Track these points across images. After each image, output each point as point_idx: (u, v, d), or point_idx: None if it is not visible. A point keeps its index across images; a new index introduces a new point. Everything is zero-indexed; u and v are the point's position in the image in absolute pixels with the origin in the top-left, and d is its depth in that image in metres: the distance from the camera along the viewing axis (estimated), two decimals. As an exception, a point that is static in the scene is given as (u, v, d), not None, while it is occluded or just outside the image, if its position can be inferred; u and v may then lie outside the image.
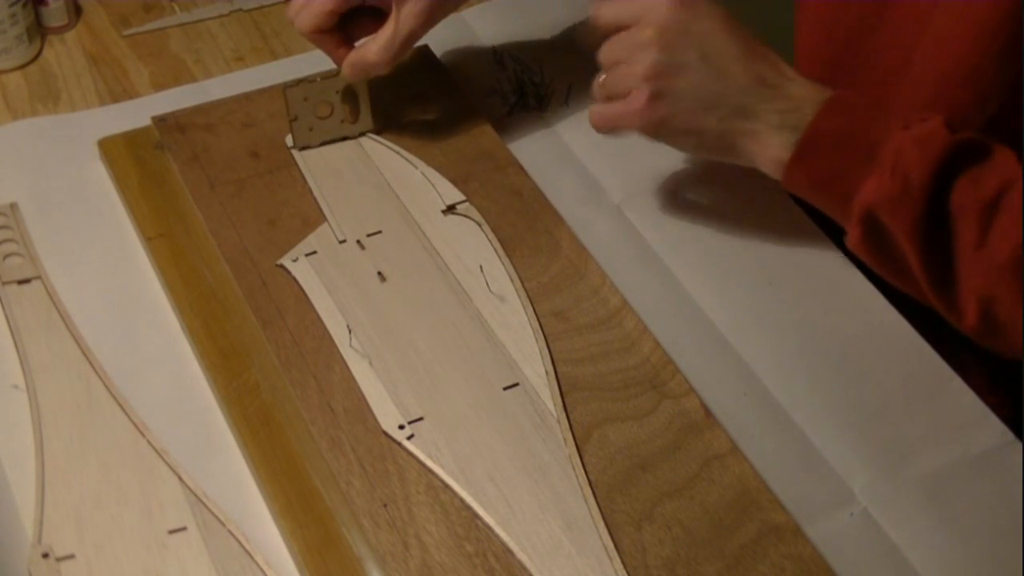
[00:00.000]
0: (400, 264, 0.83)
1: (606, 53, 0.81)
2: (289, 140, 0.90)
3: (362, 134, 0.91)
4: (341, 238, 0.84)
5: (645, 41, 0.78)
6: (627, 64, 0.79)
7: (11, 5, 0.95)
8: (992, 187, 0.72)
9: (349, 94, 0.89)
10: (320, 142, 0.90)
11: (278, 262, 0.82)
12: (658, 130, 0.80)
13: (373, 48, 0.86)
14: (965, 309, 0.74)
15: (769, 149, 0.78)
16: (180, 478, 0.72)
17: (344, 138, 0.90)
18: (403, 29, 0.85)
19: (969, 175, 0.73)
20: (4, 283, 0.81)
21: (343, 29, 0.88)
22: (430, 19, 0.86)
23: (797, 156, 0.76)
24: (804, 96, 0.77)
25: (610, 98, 0.81)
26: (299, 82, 0.87)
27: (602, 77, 0.81)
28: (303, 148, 0.90)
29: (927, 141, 0.73)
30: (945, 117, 0.74)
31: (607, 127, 0.82)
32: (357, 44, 0.88)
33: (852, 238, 0.77)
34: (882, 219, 0.74)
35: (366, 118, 0.90)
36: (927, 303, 0.77)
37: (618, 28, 0.80)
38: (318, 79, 0.88)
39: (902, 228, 0.74)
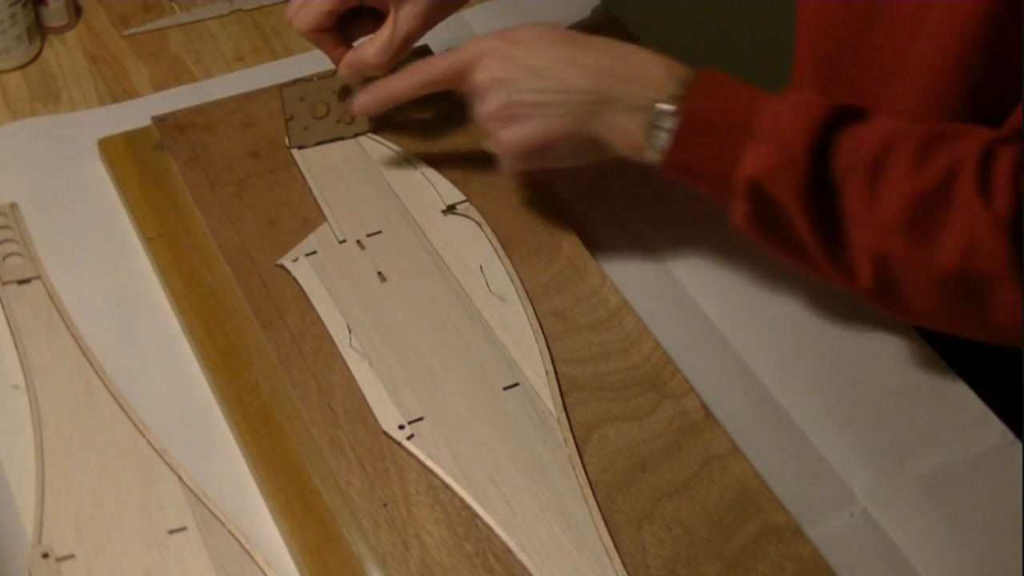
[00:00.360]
0: (400, 264, 0.83)
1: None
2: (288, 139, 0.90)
3: (358, 135, 0.91)
4: (341, 238, 0.84)
5: (480, 88, 0.81)
6: (480, 118, 0.82)
7: (11, 5, 0.95)
8: (875, 145, 0.72)
9: (346, 94, 0.89)
10: (315, 142, 0.90)
11: (278, 262, 0.82)
12: (531, 158, 0.82)
13: (371, 49, 0.86)
14: (858, 270, 0.74)
15: (624, 133, 0.79)
16: (180, 478, 0.72)
17: (340, 138, 0.90)
18: (401, 30, 0.85)
19: (850, 136, 0.72)
20: (4, 283, 0.81)
21: (342, 29, 0.88)
22: (428, 21, 0.87)
23: (674, 141, 0.76)
24: (647, 74, 0.78)
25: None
26: (296, 82, 0.87)
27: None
28: (299, 147, 0.90)
29: (804, 108, 0.73)
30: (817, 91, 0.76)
31: (512, 174, 0.85)
32: (355, 44, 0.88)
33: (738, 214, 0.76)
34: (767, 189, 0.74)
35: (362, 119, 0.90)
36: (820, 274, 0.77)
37: (451, 83, 0.83)
38: (315, 79, 0.88)
39: (788, 195, 0.73)
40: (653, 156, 0.78)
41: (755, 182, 0.74)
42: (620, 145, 0.79)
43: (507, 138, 0.80)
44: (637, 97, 0.77)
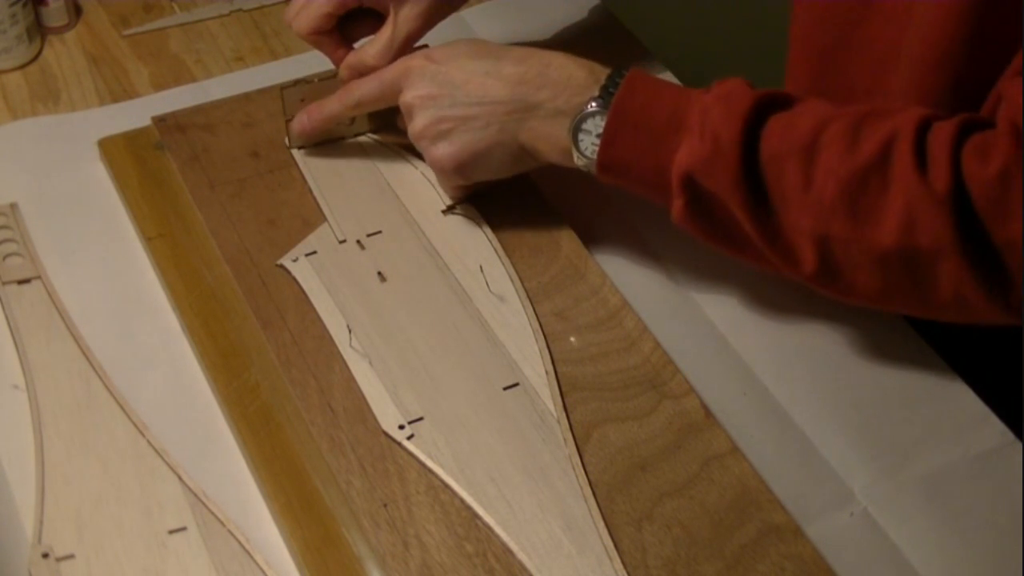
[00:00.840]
0: (400, 264, 0.83)
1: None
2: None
3: (358, 135, 0.91)
4: (341, 238, 0.84)
5: (408, 109, 0.83)
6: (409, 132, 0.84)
7: (11, 5, 0.95)
8: (806, 128, 0.72)
9: None
10: (315, 142, 0.90)
11: (278, 262, 0.82)
12: (463, 172, 0.83)
13: (371, 51, 0.86)
14: (802, 255, 0.73)
15: (550, 139, 0.79)
16: (180, 478, 0.72)
17: (341, 138, 0.90)
18: (401, 31, 0.85)
19: (779, 122, 0.73)
20: (4, 283, 0.81)
21: (342, 30, 0.88)
22: (428, 21, 0.87)
23: (603, 144, 0.77)
24: (568, 77, 0.79)
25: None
26: (296, 83, 0.87)
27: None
28: (299, 148, 0.90)
29: (730, 98, 0.73)
30: (743, 79, 0.76)
31: (449, 192, 0.87)
32: (356, 46, 0.88)
33: (676, 210, 0.76)
34: (701, 182, 0.74)
35: (363, 120, 0.90)
36: (763, 264, 0.77)
37: (382, 102, 0.85)
38: (315, 80, 0.88)
39: (722, 187, 0.73)
40: (582, 160, 0.78)
41: (689, 175, 0.74)
42: (549, 151, 0.80)
43: (438, 154, 0.82)
44: (559, 102, 0.78)
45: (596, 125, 0.77)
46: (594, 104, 0.77)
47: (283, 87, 0.87)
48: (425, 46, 0.95)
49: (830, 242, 0.72)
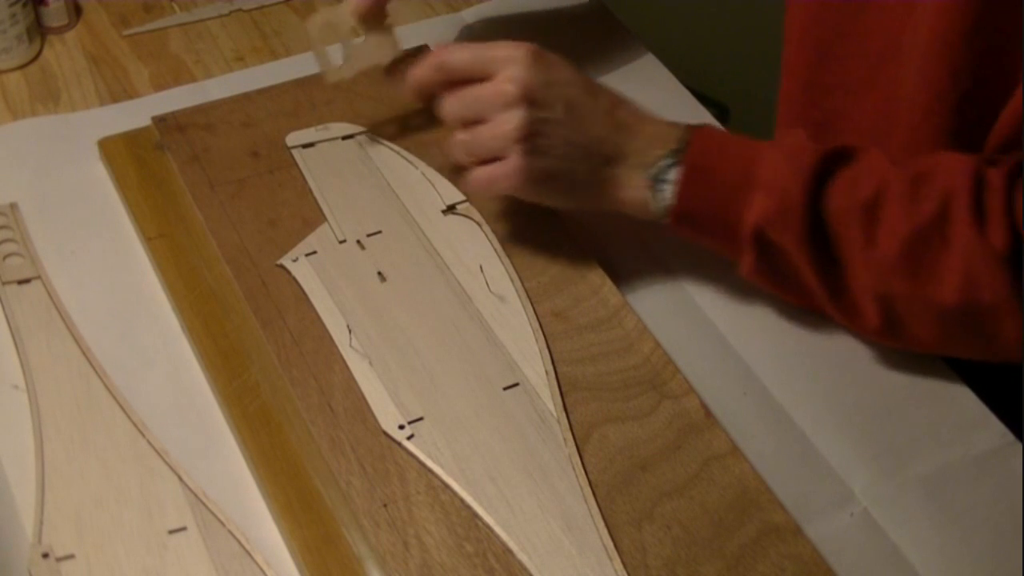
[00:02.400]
0: (400, 264, 0.83)
1: (456, 108, 0.80)
2: (289, 139, 0.90)
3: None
4: (341, 238, 0.84)
5: (509, 100, 0.77)
6: (492, 124, 0.78)
7: (11, 5, 0.95)
8: (869, 187, 0.73)
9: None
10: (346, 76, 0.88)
11: (278, 262, 0.82)
12: (536, 188, 0.80)
13: None
14: (865, 312, 0.75)
15: (631, 189, 0.79)
16: (180, 478, 0.72)
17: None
18: None
19: (844, 179, 0.74)
20: (4, 283, 0.81)
21: None
22: None
23: (679, 193, 0.77)
24: (655, 132, 0.78)
25: (477, 159, 0.80)
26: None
27: (461, 136, 0.80)
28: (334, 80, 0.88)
29: (796, 154, 0.75)
30: (806, 132, 0.76)
31: (488, 192, 0.82)
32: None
33: (746, 265, 0.78)
34: (771, 238, 0.75)
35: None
36: (827, 315, 0.79)
37: (466, 79, 0.79)
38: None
39: (791, 241, 0.75)
40: (657, 211, 0.78)
41: (759, 231, 0.75)
42: (626, 200, 0.79)
43: (521, 162, 0.78)
44: (645, 156, 0.78)
45: (672, 177, 0.77)
46: (671, 157, 0.77)
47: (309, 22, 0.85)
48: (425, 45, 0.95)
49: (892, 300, 0.74)
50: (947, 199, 0.71)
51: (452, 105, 0.80)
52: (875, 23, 0.83)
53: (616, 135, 0.78)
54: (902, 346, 0.78)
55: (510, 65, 0.77)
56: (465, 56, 0.79)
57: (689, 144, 0.77)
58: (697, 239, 0.80)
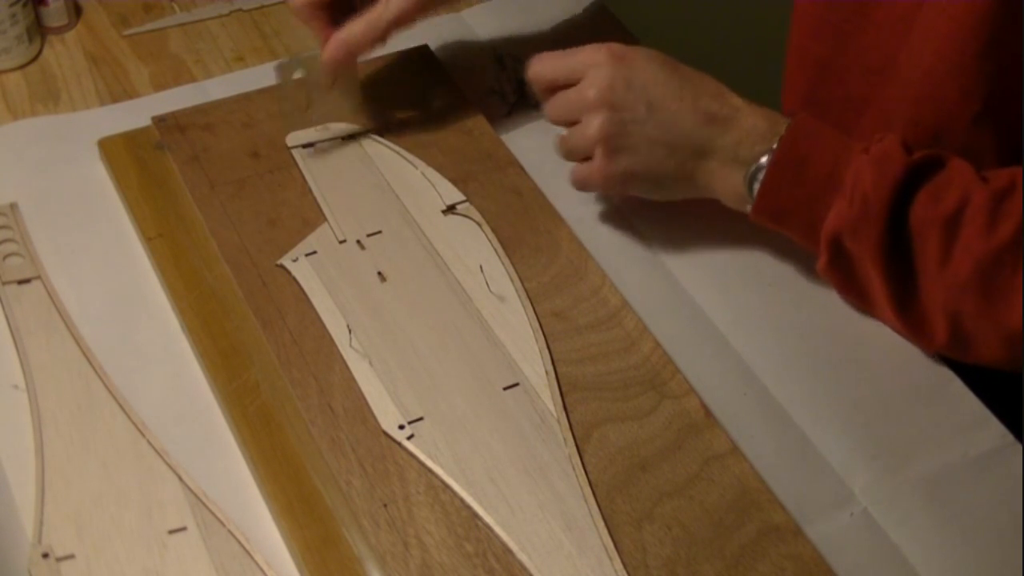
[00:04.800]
0: (400, 264, 0.83)
1: (555, 111, 0.84)
2: (289, 139, 0.90)
3: (353, 135, 0.90)
4: (341, 238, 0.84)
5: (591, 103, 0.80)
6: (581, 127, 0.82)
7: (11, 5, 0.95)
8: (952, 202, 0.73)
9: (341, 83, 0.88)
10: (314, 143, 0.89)
11: (278, 262, 0.82)
12: (623, 185, 0.83)
13: (357, 27, 0.85)
14: (935, 327, 0.76)
15: (727, 183, 0.80)
16: (180, 478, 0.72)
17: (336, 138, 0.89)
18: (390, 11, 0.85)
19: (928, 192, 0.74)
20: (4, 283, 0.81)
21: (335, 13, 0.86)
22: (420, 8, 0.86)
23: (762, 191, 0.78)
24: (753, 126, 0.79)
25: (575, 159, 0.84)
26: (291, 60, 0.86)
27: (563, 136, 0.84)
28: (299, 146, 0.89)
29: (883, 162, 0.75)
30: (900, 137, 0.76)
31: (582, 189, 0.85)
32: None
33: (820, 264, 0.79)
34: (846, 244, 0.76)
35: (365, 117, 0.90)
36: (892, 327, 0.79)
37: (560, 86, 0.83)
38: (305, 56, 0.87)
39: (865, 250, 0.75)
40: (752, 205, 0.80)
41: (836, 236, 0.76)
42: (723, 193, 0.81)
43: (612, 166, 0.81)
44: (741, 149, 0.79)
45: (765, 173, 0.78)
46: (768, 154, 0.78)
47: (279, 64, 0.86)
48: (424, 46, 0.95)
49: (961, 318, 0.74)
50: None
51: (551, 109, 0.84)
52: (872, 41, 0.83)
53: (705, 128, 0.79)
54: (969, 361, 0.78)
55: (591, 69, 0.81)
56: (554, 65, 0.83)
57: (782, 138, 0.77)
58: (777, 230, 0.80)
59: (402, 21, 0.86)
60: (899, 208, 0.74)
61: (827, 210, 0.76)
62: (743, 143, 0.79)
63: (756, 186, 0.78)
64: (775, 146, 0.77)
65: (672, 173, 0.81)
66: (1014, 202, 0.72)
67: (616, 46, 0.81)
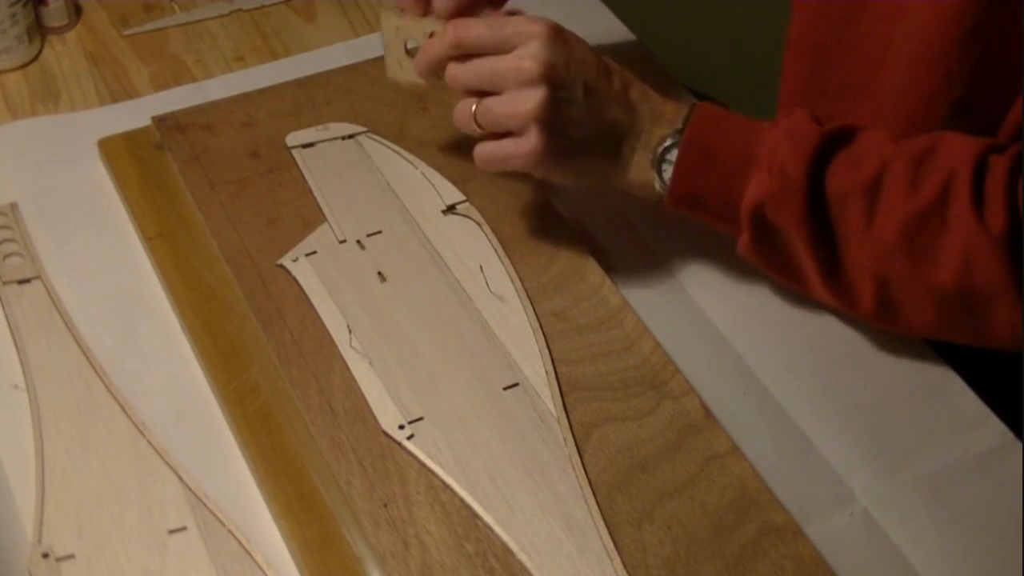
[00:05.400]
0: (400, 264, 0.83)
1: (468, 76, 0.78)
2: (289, 139, 0.90)
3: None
4: (341, 238, 0.84)
5: (528, 77, 0.76)
6: (509, 100, 0.76)
7: (11, 5, 0.95)
8: (870, 168, 0.73)
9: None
10: (407, 81, 0.85)
11: (278, 262, 0.82)
12: (547, 167, 0.79)
13: None
14: (861, 293, 0.75)
15: (637, 173, 0.79)
16: (180, 478, 0.72)
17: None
18: None
19: (845, 159, 0.74)
20: (4, 283, 0.81)
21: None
22: None
23: (676, 177, 0.77)
24: (659, 111, 0.78)
25: (487, 132, 0.79)
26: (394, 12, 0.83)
27: (473, 107, 0.78)
28: (394, 82, 0.85)
29: (797, 134, 0.74)
30: (809, 112, 0.75)
31: (496, 167, 0.80)
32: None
33: (742, 242, 0.78)
34: (768, 217, 0.75)
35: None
36: (820, 298, 0.78)
37: (483, 52, 0.78)
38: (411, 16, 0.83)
39: (789, 222, 0.74)
40: (661, 192, 0.78)
41: (757, 210, 0.75)
42: (632, 181, 0.80)
43: (537, 141, 0.76)
44: (650, 135, 0.78)
45: (673, 159, 0.77)
46: (673, 139, 0.77)
47: (383, 9, 0.83)
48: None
49: (889, 281, 0.73)
50: (948, 181, 0.71)
51: (464, 71, 0.78)
52: (869, 28, 0.84)
53: (627, 116, 0.78)
54: (896, 330, 0.78)
55: (531, 41, 0.76)
56: (483, 32, 0.77)
57: (688, 122, 0.76)
58: (695, 217, 0.79)
59: None
60: (818, 177, 0.73)
61: (744, 188, 0.75)
62: (651, 130, 0.77)
63: (666, 170, 0.77)
64: (679, 128, 0.76)
65: (597, 159, 0.79)
66: (934, 163, 0.72)
67: (553, 22, 0.78)
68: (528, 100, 0.76)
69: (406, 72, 0.84)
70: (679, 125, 0.77)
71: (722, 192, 0.76)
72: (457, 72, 0.78)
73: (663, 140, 0.77)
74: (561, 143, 0.77)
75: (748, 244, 0.77)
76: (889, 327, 0.78)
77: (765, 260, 0.79)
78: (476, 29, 0.77)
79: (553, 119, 0.76)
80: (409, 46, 0.83)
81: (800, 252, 0.75)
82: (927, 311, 0.74)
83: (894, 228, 0.72)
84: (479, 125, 0.78)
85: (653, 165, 0.78)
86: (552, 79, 0.76)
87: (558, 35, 0.77)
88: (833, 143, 0.74)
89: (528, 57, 0.76)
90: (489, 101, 0.77)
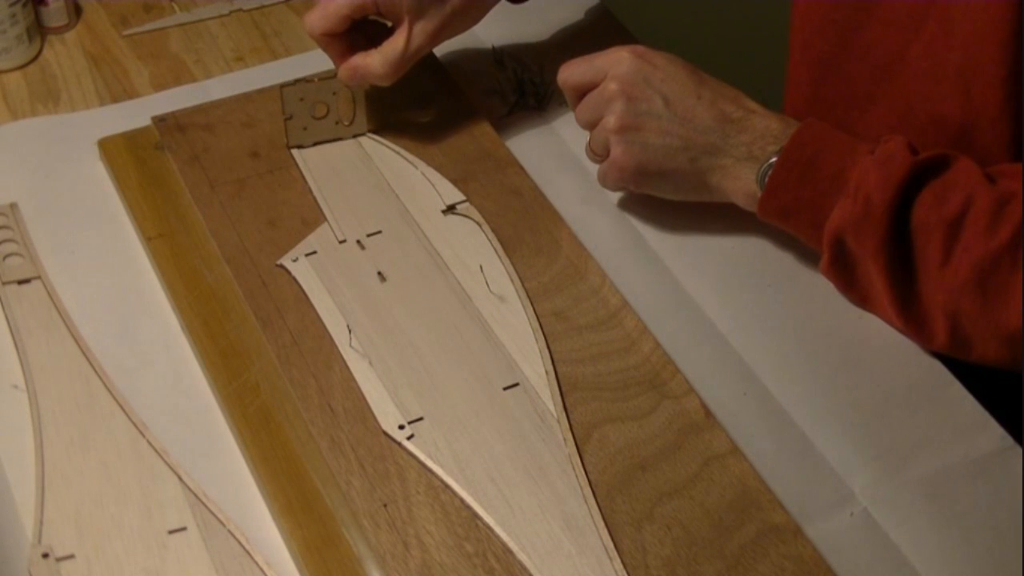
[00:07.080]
0: (400, 264, 0.83)
1: (582, 114, 0.85)
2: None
3: (356, 136, 0.91)
4: (341, 238, 0.84)
5: (610, 96, 0.82)
6: (602, 122, 0.83)
7: (11, 5, 0.95)
8: (956, 204, 0.74)
9: (346, 96, 0.89)
10: (313, 142, 0.90)
11: (278, 262, 0.82)
12: (636, 179, 0.83)
13: (377, 60, 0.86)
14: (934, 327, 0.76)
15: (738, 182, 0.81)
16: (180, 478, 0.72)
17: (338, 138, 0.90)
18: (414, 43, 0.86)
19: (932, 192, 0.74)
20: (4, 283, 0.81)
21: (350, 37, 0.87)
22: (438, 37, 0.88)
23: (769, 188, 0.79)
24: (767, 127, 0.80)
25: (600, 157, 0.85)
26: (296, 82, 0.87)
27: (588, 139, 0.85)
28: (297, 147, 0.90)
29: (888, 162, 0.75)
30: (907, 138, 0.76)
31: (605, 186, 0.86)
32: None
33: (823, 262, 0.80)
34: (848, 243, 0.77)
35: (361, 120, 0.90)
36: (894, 326, 0.79)
37: (587, 88, 0.84)
38: (315, 80, 0.88)
39: (867, 250, 0.76)
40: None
41: (838, 235, 0.77)
42: (734, 191, 0.81)
43: (624, 153, 0.82)
44: (755, 148, 0.80)
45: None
46: (778, 152, 0.79)
47: (283, 86, 0.87)
48: (430, 53, 0.95)
49: (961, 318, 0.74)
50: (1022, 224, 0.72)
51: (580, 114, 0.85)
52: (877, 37, 0.83)
53: (720, 127, 0.80)
54: (968, 360, 0.78)
55: (613, 66, 0.82)
56: (579, 69, 0.84)
57: (791, 137, 0.78)
58: (782, 228, 0.81)
59: (420, 53, 0.87)
60: (902, 208, 0.74)
61: (831, 210, 0.77)
62: (756, 142, 0.80)
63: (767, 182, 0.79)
64: (784, 146, 0.78)
65: (684, 169, 0.82)
66: (1015, 205, 0.72)
67: (639, 47, 0.83)
68: (609, 116, 0.82)
69: (310, 134, 0.90)
70: (786, 142, 0.78)
71: (811, 210, 0.78)
72: (578, 115, 0.86)
73: (771, 156, 0.79)
74: (643, 154, 0.82)
75: (827, 265, 0.79)
76: (962, 358, 0.79)
77: (842, 283, 0.80)
78: (576, 68, 0.85)
79: (632, 131, 0.81)
80: (316, 115, 0.89)
81: (876, 280, 0.77)
82: (998, 348, 0.75)
83: (968, 266, 0.73)
84: (595, 152, 0.85)
85: (758, 178, 0.79)
86: (630, 94, 0.81)
87: (640, 54, 0.82)
88: (923, 174, 0.75)
89: (611, 79, 0.82)
90: (595, 129, 0.84)
